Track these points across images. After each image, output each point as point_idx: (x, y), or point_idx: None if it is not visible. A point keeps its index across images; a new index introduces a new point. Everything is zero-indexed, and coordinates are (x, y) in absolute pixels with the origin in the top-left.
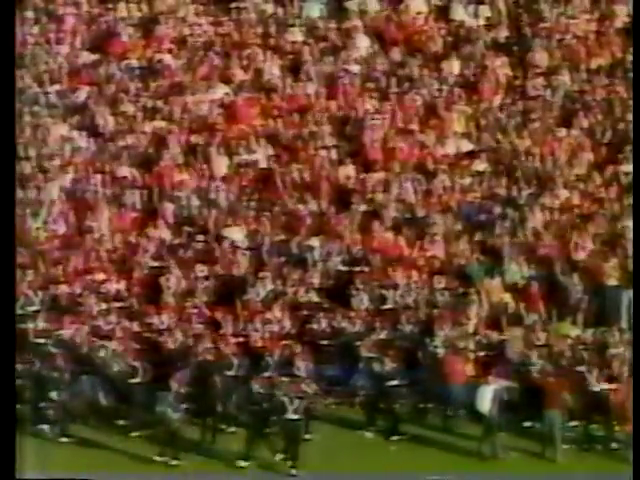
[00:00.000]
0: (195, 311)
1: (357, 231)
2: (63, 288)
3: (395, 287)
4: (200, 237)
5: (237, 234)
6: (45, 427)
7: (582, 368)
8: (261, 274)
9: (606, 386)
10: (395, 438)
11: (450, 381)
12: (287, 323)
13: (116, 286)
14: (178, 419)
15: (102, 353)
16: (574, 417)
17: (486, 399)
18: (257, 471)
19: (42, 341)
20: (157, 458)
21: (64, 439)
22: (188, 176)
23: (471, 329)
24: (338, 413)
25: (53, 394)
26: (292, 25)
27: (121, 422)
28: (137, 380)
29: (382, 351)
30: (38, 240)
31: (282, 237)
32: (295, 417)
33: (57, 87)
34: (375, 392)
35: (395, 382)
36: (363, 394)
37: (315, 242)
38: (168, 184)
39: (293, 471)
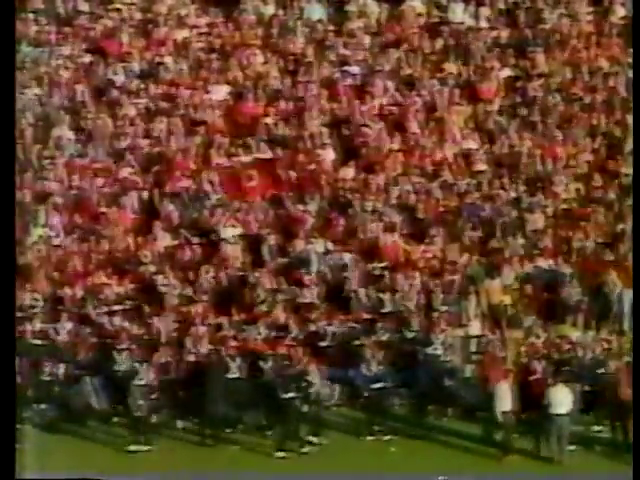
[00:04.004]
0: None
1: (357, 233)
2: (64, 290)
3: (395, 289)
4: (201, 239)
5: (237, 235)
6: (45, 427)
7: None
8: (261, 276)
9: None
10: (396, 439)
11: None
12: (288, 325)
13: (117, 289)
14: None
15: (103, 355)
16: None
17: (564, 400)
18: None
19: (42, 342)
20: None
21: (64, 439)
22: (189, 177)
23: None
24: (338, 414)
25: (53, 394)
26: (293, 27)
27: (121, 422)
28: (139, 382)
29: (383, 352)
30: (38, 242)
31: (281, 238)
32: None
33: (57, 88)
34: (376, 393)
35: (395, 383)
36: (364, 395)
37: (315, 244)
38: (169, 186)
39: (279, 454)
